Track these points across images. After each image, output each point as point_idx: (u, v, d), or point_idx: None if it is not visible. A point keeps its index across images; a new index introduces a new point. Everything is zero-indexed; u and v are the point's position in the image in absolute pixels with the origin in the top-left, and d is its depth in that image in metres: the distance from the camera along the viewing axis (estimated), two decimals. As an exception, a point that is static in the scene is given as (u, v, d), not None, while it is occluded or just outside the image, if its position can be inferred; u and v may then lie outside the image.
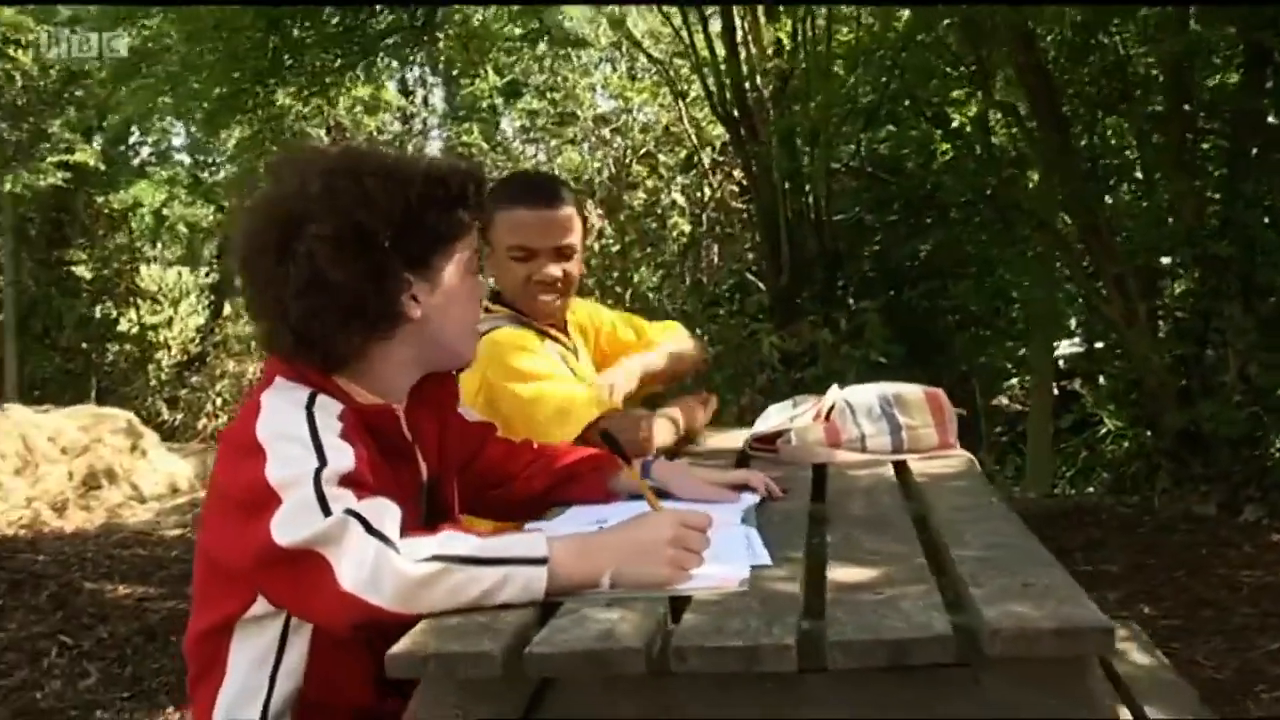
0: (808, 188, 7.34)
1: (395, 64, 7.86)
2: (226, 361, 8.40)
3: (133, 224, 7.39)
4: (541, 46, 8.46)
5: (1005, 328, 6.60)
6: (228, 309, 10.35)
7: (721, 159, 8.82)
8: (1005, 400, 7.23)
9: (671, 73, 7.99)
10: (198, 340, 9.40)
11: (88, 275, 7.68)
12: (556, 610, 1.18)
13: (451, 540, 1.21)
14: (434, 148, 10.05)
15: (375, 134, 8.53)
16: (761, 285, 7.85)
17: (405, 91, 9.78)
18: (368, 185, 1.37)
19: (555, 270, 2.09)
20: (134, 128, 7.01)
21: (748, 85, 7.23)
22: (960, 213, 6.31)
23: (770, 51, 7.19)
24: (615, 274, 8.99)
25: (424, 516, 1.48)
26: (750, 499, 1.58)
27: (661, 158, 9.43)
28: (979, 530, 1.36)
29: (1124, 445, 5.57)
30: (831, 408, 1.99)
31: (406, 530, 1.25)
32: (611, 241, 9.48)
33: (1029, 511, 5.05)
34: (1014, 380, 6.96)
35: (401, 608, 1.17)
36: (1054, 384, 6.41)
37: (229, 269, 10.32)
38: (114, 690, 2.95)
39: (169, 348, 8.51)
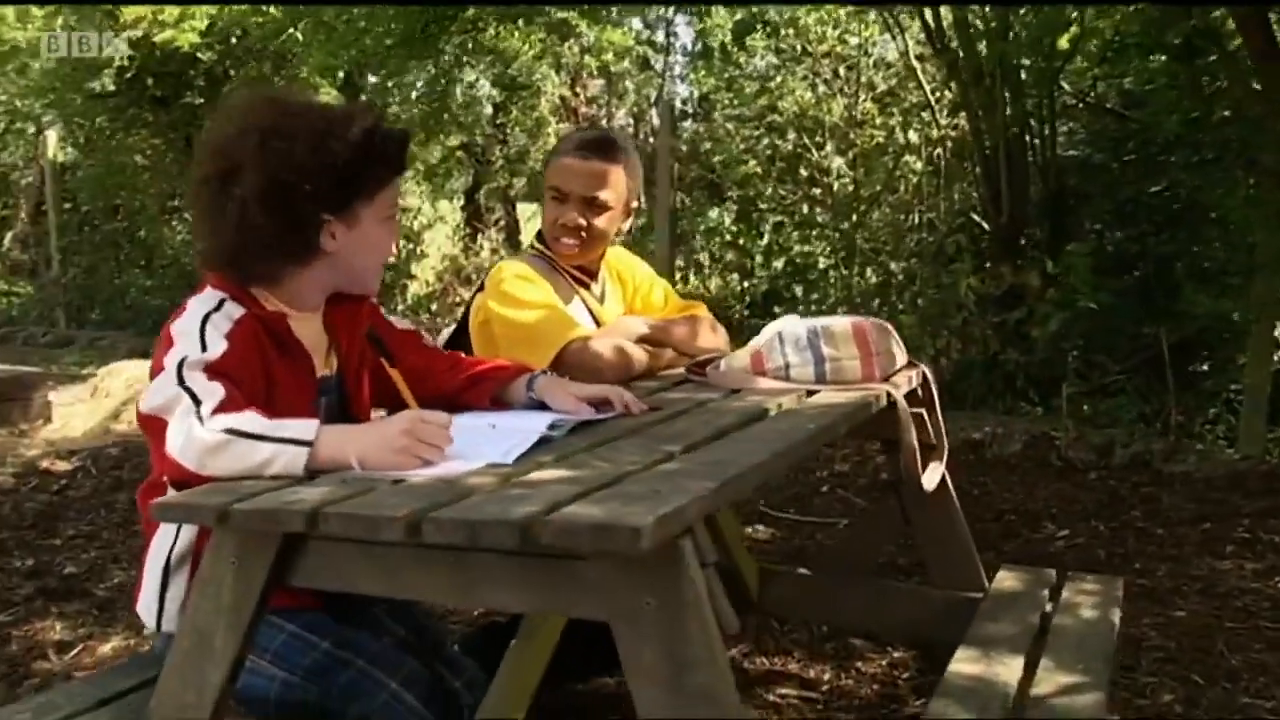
0: (1036, 125, 6.94)
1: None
2: (459, 291, 9.14)
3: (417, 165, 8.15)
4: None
5: (1230, 276, 5.98)
6: (481, 242, 11.04)
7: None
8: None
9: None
10: (448, 271, 10.19)
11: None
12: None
13: (250, 419, 1.44)
14: (679, 89, 10.20)
15: (604, 74, 8.84)
16: (985, 226, 7.53)
17: (649, 32, 9.98)
18: (297, 149, 1.62)
19: (579, 218, 2.23)
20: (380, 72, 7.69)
21: (972, 19, 6.90)
22: (1182, 154, 5.74)
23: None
24: (852, 215, 8.84)
25: (332, 404, 1.73)
26: (609, 412, 1.70)
27: (909, 96, 9.14)
28: (734, 449, 1.42)
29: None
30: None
31: (295, 413, 1.49)
32: (847, 181, 9.34)
33: (1214, 473, 4.65)
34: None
35: (200, 470, 1.42)
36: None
37: (478, 204, 11.03)
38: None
39: (415, 277, 9.29)
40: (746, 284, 9.47)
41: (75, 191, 9.74)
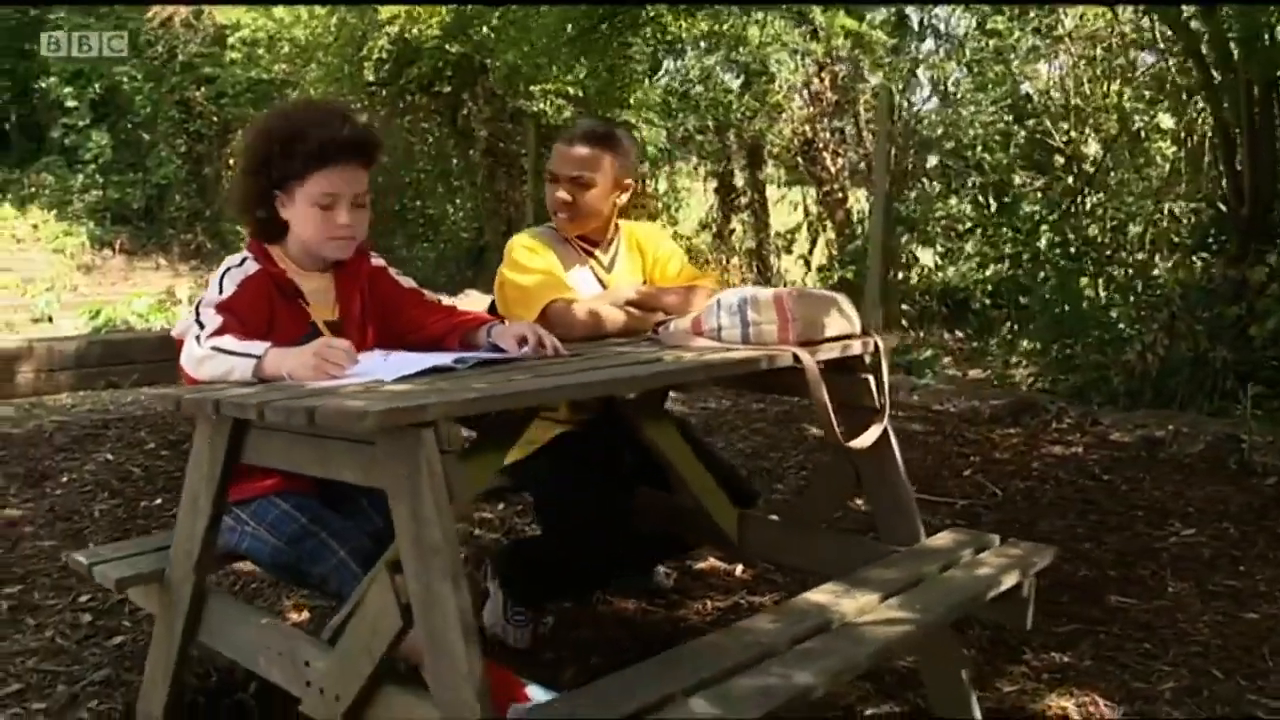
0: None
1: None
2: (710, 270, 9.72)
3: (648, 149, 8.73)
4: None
5: None
6: (735, 221, 11.51)
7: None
8: None
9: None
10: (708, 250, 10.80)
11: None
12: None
13: (227, 340, 2.00)
14: (927, 73, 10.20)
15: (852, 58, 9.01)
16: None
17: (900, 20, 10.01)
18: (252, 141, 2.26)
19: (565, 195, 2.69)
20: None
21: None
22: None
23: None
24: (1083, 202, 8.62)
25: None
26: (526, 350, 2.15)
27: (1168, 79, 8.76)
28: (553, 380, 1.81)
29: None
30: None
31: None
32: (1093, 167, 9.07)
33: None
34: None
35: (195, 375, 2.01)
36: None
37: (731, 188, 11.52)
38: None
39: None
40: (987, 272, 9.39)
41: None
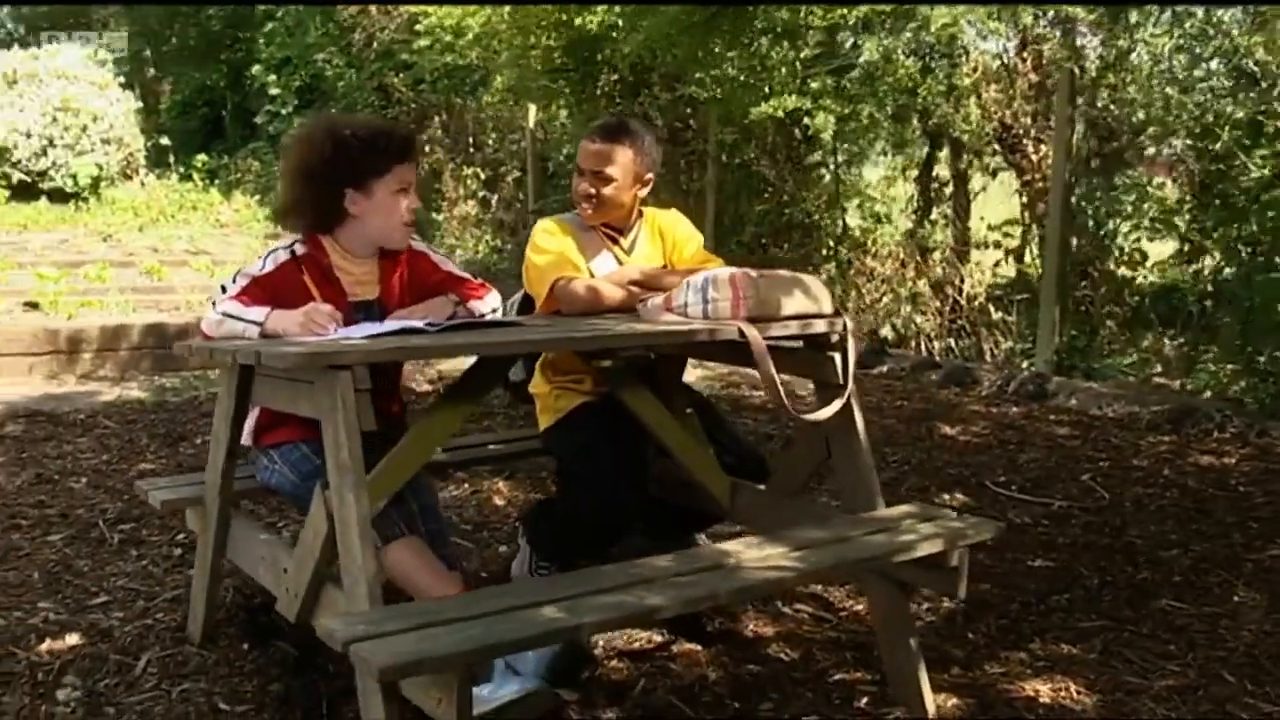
0: None
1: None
2: (885, 264, 9.81)
3: (822, 137, 8.94)
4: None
5: None
6: (935, 213, 11.63)
7: None
8: None
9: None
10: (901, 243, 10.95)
11: (769, 175, 9.49)
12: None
13: (235, 306, 2.61)
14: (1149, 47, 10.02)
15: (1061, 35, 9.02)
16: None
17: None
18: (320, 144, 2.80)
19: (588, 188, 3.16)
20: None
21: None
22: None
23: None
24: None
25: (373, 317, 2.84)
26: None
27: None
28: (485, 338, 2.33)
29: None
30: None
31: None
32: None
33: None
34: None
35: (211, 334, 2.63)
36: None
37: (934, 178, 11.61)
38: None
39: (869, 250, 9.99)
40: (1203, 270, 9.16)
41: (547, 156, 12.00)
